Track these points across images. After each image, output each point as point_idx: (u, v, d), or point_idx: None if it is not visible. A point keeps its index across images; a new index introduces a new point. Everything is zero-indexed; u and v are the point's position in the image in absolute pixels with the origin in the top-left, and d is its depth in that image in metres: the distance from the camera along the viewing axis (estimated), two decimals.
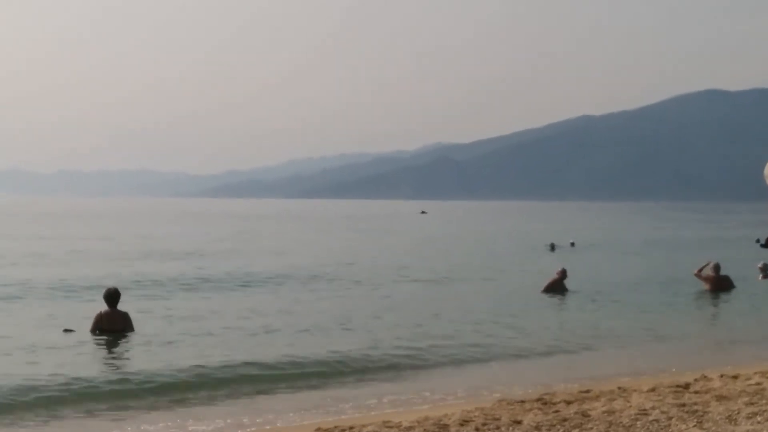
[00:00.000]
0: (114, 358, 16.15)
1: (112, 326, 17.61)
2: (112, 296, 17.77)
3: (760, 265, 31.50)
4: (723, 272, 26.98)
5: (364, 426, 9.88)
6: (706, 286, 26.43)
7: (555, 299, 25.76)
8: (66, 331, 18.25)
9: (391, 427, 9.78)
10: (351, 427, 9.86)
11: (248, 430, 11.04)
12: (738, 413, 9.72)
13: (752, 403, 10.19)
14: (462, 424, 9.67)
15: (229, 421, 11.56)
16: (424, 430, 9.53)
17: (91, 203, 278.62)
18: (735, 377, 12.08)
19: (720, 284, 26.45)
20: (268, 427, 11.16)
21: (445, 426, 9.66)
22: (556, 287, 26.59)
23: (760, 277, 30.50)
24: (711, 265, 26.96)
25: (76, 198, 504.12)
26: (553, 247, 52.47)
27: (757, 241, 48.48)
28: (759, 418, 9.45)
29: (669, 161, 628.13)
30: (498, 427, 9.49)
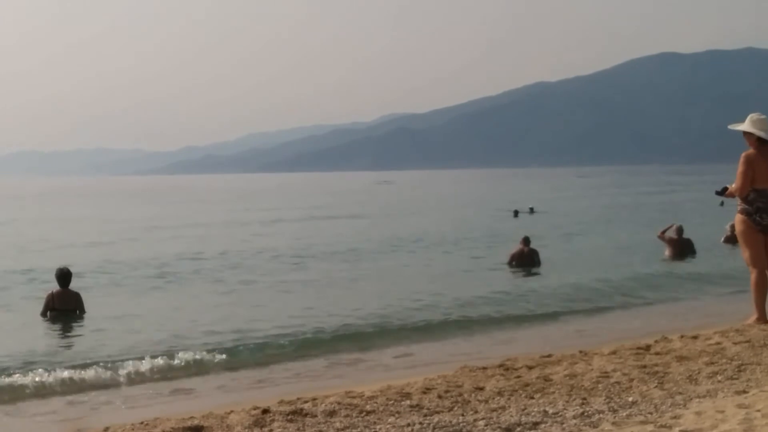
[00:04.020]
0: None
1: (65, 306, 17.46)
2: (65, 276, 17.58)
3: (727, 226, 31.23)
4: (686, 236, 27.09)
5: (326, 397, 9.82)
6: (667, 249, 26.55)
7: (521, 271, 25.25)
8: None
9: (353, 397, 9.74)
10: (314, 398, 9.79)
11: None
12: (698, 373, 9.77)
13: (712, 363, 10.24)
14: (425, 392, 9.64)
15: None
16: (387, 399, 9.50)
17: (71, 183, 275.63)
18: (695, 338, 12.14)
19: (682, 247, 26.56)
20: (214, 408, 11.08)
21: (408, 394, 9.63)
22: (524, 259, 25.90)
23: (722, 240, 30.40)
24: (674, 227, 27.08)
25: (44, 178, 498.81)
26: (516, 214, 52.68)
27: (718, 194, 48.59)
28: (719, 377, 9.50)
29: (626, 125, 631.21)
30: (461, 394, 9.47)
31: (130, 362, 13.09)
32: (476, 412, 8.65)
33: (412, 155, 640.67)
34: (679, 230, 26.80)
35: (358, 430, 8.05)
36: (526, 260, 25.88)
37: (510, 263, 26.02)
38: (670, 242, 26.53)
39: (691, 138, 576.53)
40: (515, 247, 26.56)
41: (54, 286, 17.71)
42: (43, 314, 17.39)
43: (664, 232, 26.94)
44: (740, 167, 12.60)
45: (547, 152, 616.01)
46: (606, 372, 10.12)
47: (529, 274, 24.87)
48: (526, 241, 26.45)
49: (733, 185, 12.83)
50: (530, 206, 57.57)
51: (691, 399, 8.55)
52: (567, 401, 8.85)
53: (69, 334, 16.31)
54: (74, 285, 17.85)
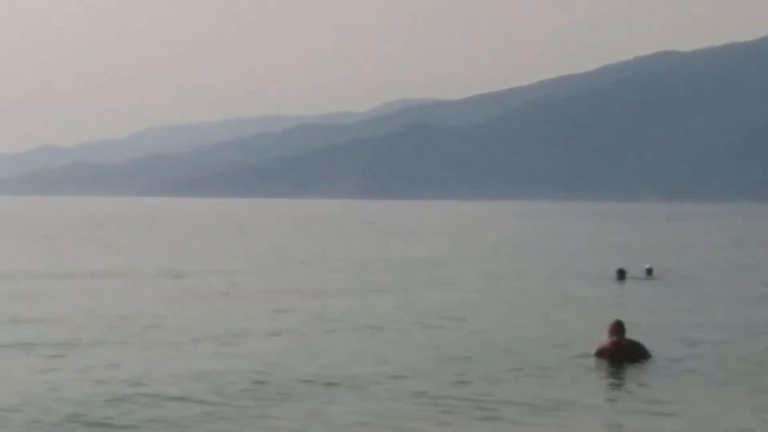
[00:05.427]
0: None
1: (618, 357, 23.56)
2: (619, 326, 23.76)
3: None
4: None
5: None
6: None
7: (613, 368, 26.73)
8: None
9: None
10: None
11: None
12: None
13: None
14: None
15: None
16: None
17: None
18: None
19: None
20: None
21: None
22: (619, 355, 26.97)
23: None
24: None
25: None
26: (622, 275, 54.62)
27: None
28: None
29: None
30: None
31: None
32: None
33: (434, 172, 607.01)
34: None
35: None
36: (624, 357, 27.08)
37: (600, 355, 27.46)
38: None
39: None
40: (605, 336, 27.47)
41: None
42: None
43: None
44: None
45: (666, 175, 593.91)
46: None
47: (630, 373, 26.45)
48: (619, 327, 27.26)
49: None
50: (647, 266, 57.16)
51: None
52: None
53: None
54: None
